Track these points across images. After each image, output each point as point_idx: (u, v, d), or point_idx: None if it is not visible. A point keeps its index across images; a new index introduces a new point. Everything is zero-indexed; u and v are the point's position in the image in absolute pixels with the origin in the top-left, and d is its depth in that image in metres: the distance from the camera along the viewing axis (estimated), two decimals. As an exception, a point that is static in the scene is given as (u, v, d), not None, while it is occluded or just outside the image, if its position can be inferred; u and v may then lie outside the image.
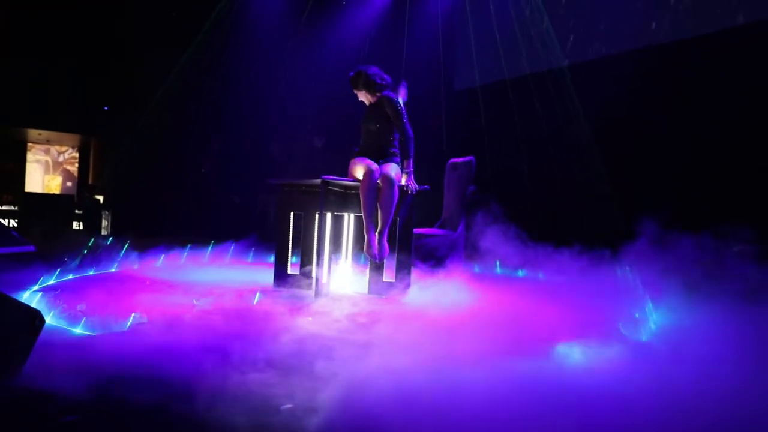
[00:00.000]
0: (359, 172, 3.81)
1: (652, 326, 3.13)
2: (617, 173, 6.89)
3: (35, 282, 3.67)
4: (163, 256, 5.16)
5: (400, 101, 4.02)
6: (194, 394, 1.84)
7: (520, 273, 5.16)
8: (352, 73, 4.10)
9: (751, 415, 1.84)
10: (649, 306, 3.53)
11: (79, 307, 2.76)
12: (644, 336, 2.90)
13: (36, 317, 1.85)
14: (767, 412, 1.85)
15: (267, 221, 8.15)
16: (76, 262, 4.39)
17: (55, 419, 1.69)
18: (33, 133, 12.84)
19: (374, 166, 3.78)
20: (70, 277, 4.12)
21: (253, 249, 5.93)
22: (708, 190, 6.03)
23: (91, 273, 4.34)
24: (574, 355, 2.38)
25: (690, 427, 1.75)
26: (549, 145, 7.55)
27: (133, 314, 2.78)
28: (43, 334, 1.91)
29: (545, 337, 2.63)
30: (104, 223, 10.02)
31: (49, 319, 2.73)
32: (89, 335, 2.61)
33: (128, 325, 2.68)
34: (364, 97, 4.14)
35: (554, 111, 7.59)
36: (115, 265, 4.79)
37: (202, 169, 9.88)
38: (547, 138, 7.58)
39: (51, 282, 3.81)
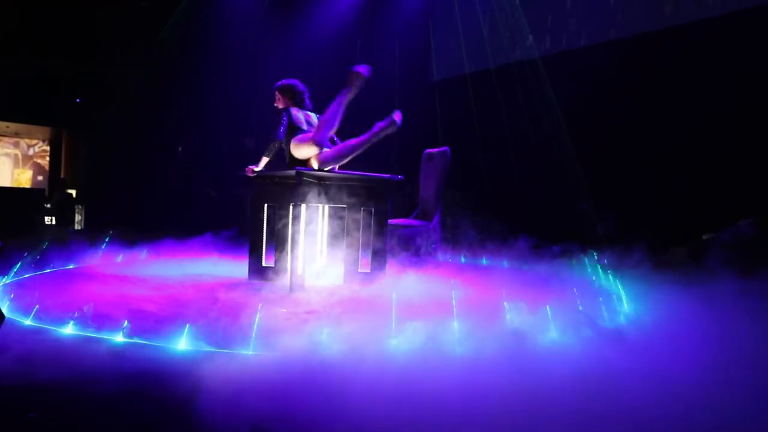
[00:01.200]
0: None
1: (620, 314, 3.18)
2: (590, 165, 6.97)
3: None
4: (124, 251, 5.11)
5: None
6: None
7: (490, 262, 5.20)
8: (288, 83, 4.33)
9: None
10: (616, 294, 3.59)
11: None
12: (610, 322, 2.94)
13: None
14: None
15: (243, 214, 8.08)
16: (34, 257, 4.28)
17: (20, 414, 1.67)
18: (1, 125, 12.52)
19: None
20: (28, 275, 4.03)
21: (226, 242, 5.88)
22: (684, 179, 6.15)
23: (48, 270, 4.24)
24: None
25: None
26: (521, 136, 7.60)
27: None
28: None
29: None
30: (77, 217, 9.84)
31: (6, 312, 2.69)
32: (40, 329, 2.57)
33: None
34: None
35: (528, 102, 7.64)
36: (89, 260, 4.72)
37: (179, 148, 9.69)
38: (519, 129, 7.63)
39: (9, 279, 3.72)
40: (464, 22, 8.80)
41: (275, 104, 4.37)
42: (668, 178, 6.40)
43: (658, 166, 6.49)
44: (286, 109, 4.21)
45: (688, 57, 6.28)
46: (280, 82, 4.39)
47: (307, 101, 4.39)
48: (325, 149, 4.05)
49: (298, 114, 4.25)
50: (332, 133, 4.14)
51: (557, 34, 7.86)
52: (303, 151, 4.05)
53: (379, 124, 3.97)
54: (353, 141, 4.03)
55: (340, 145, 4.12)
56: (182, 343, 2.38)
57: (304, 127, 4.20)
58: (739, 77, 5.84)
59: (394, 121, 3.95)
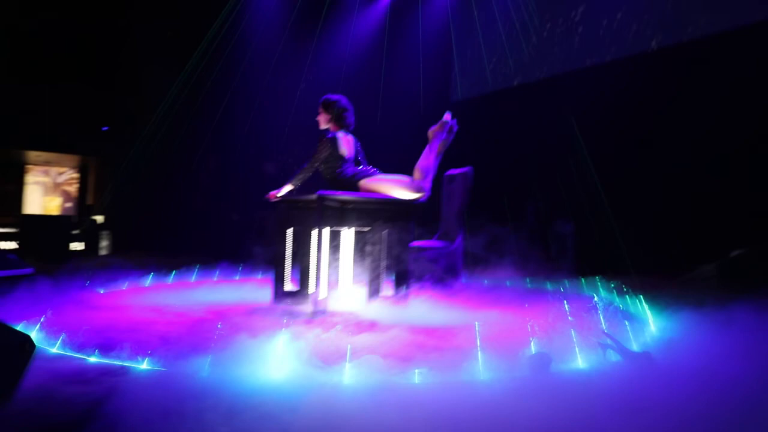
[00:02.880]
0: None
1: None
2: (613, 182, 6.89)
3: (34, 305, 3.66)
4: (152, 275, 5.18)
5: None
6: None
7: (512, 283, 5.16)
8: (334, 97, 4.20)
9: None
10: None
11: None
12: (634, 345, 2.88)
13: (26, 342, 1.83)
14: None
15: (265, 238, 8.17)
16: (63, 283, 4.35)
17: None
18: (32, 155, 12.88)
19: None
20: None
21: (246, 266, 5.96)
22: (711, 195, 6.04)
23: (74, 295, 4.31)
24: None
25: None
26: (544, 154, 7.57)
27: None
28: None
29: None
30: (104, 243, 10.01)
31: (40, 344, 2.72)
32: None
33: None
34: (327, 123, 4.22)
35: (550, 119, 7.62)
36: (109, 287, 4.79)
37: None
38: (541, 147, 7.60)
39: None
40: (486, 42, 8.84)
41: (317, 119, 4.24)
42: (694, 195, 6.29)
43: (684, 182, 6.39)
44: (334, 139, 4.06)
45: (714, 70, 6.21)
46: (325, 96, 4.22)
47: (350, 119, 4.22)
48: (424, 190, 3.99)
49: (346, 138, 4.15)
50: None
51: (581, 52, 7.85)
52: (401, 193, 3.94)
53: (437, 133, 4.01)
54: (430, 160, 3.98)
55: (428, 171, 3.97)
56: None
57: (347, 154, 4.10)
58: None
59: (445, 122, 4.00)
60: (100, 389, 2.10)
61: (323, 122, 4.22)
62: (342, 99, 4.22)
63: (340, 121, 4.18)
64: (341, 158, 4.08)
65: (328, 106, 4.19)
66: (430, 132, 4.07)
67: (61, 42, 10.19)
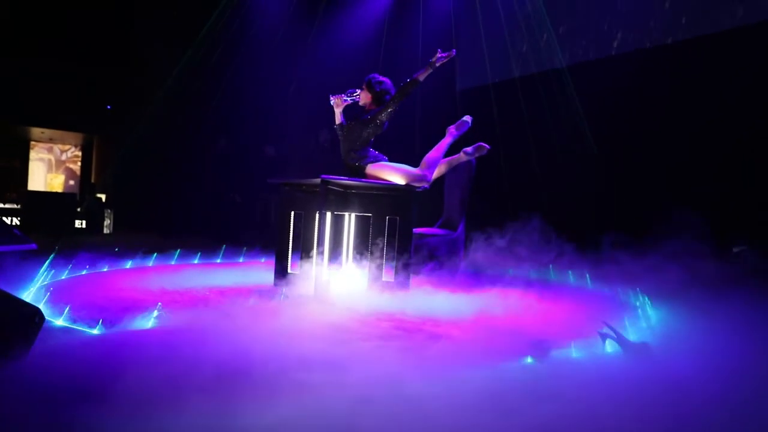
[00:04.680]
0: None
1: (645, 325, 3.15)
2: (615, 177, 6.90)
3: (35, 279, 3.70)
4: (155, 254, 5.21)
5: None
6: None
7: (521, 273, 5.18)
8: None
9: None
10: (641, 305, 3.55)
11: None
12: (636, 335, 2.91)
13: (36, 314, 1.87)
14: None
15: (268, 221, 8.19)
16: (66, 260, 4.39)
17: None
18: (36, 131, 12.90)
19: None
20: (65, 276, 4.15)
21: (250, 248, 5.99)
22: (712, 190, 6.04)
23: (84, 272, 4.35)
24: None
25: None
26: (552, 144, 7.57)
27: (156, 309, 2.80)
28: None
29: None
30: (106, 221, 10.06)
31: (49, 317, 2.75)
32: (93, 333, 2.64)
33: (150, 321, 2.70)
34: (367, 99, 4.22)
35: (557, 110, 7.61)
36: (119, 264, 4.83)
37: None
38: (550, 138, 7.60)
39: (48, 280, 3.84)
40: (490, 31, 8.80)
41: (357, 95, 4.18)
42: (696, 189, 6.30)
43: (685, 176, 6.39)
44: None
45: (717, 64, 6.20)
46: (372, 75, 4.20)
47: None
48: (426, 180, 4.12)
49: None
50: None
51: (583, 44, 7.82)
52: (403, 182, 4.02)
53: (452, 132, 4.30)
54: (438, 154, 4.21)
55: (434, 164, 4.17)
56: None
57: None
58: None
59: (465, 121, 4.35)
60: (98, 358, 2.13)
61: (364, 99, 4.20)
62: (387, 82, 4.21)
63: (379, 103, 4.18)
64: (369, 139, 4.17)
65: (372, 86, 4.17)
66: (448, 129, 4.34)
67: (67, 18, 10.16)
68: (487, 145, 4.40)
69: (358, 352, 2.33)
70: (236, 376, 1.88)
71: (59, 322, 2.78)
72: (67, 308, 2.85)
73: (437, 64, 4.04)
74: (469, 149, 4.40)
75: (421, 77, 4.07)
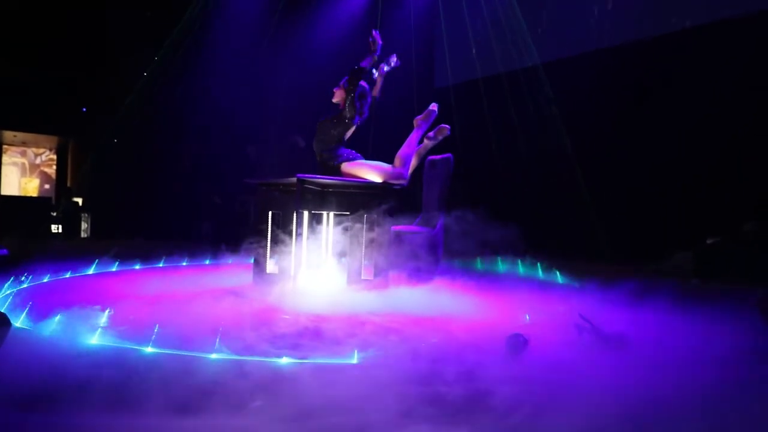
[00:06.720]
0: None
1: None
2: (593, 170, 6.98)
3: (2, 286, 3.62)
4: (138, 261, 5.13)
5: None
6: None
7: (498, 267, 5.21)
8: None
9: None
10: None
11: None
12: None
13: (2, 319, 1.84)
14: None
15: (247, 221, 8.12)
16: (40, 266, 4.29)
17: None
18: (8, 135, 12.63)
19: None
20: (46, 280, 4.08)
21: (227, 249, 5.92)
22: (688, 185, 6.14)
23: (67, 275, 4.28)
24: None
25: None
26: (523, 142, 7.63)
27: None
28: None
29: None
30: (84, 225, 9.91)
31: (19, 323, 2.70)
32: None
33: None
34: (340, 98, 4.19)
35: (529, 109, 7.67)
36: (93, 267, 4.75)
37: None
38: (522, 135, 7.66)
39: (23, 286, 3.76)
40: (469, 29, 8.83)
41: (334, 90, 4.18)
42: (672, 183, 6.39)
43: (662, 171, 6.48)
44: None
45: (693, 61, 6.29)
46: (349, 78, 4.16)
47: (365, 108, 4.22)
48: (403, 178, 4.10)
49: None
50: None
51: (561, 41, 7.88)
52: (378, 178, 4.02)
53: (421, 122, 4.19)
54: (411, 149, 4.15)
55: (407, 159, 4.13)
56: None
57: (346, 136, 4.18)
58: (744, 82, 5.84)
59: (431, 111, 4.21)
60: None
61: (337, 97, 4.19)
62: (366, 86, 4.20)
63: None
64: (341, 138, 4.14)
65: (351, 87, 4.15)
66: (416, 120, 4.19)
67: (40, 21, 9.97)
68: (447, 126, 4.27)
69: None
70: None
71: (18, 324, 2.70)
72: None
73: (384, 71, 4.14)
74: (431, 133, 4.29)
75: (367, 66, 4.13)
